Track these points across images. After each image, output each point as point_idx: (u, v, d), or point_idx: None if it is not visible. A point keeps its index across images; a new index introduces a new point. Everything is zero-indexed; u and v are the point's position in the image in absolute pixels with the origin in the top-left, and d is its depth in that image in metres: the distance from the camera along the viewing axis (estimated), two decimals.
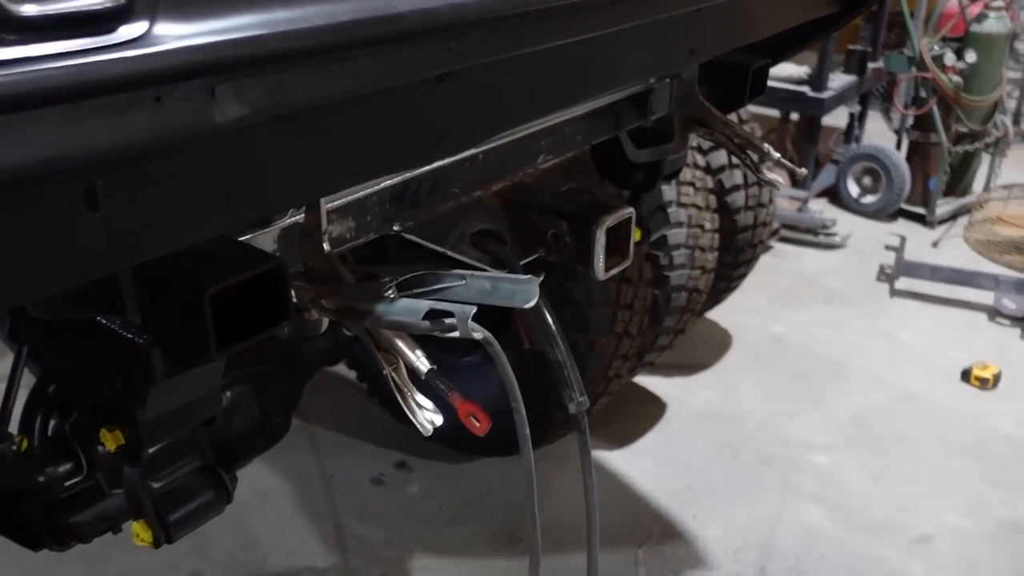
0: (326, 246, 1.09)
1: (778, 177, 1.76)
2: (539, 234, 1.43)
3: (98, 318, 1.04)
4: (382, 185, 1.30)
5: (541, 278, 1.39)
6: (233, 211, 0.90)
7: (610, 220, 1.37)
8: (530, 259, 1.46)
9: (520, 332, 1.43)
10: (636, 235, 2.05)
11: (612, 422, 3.29)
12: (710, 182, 3.04)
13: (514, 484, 3.02)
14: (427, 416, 1.05)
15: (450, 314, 0.92)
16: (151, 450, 1.20)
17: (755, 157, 1.76)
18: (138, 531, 1.19)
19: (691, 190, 2.89)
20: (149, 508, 1.19)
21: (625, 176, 1.99)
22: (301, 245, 1.12)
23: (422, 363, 1.01)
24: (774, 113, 5.19)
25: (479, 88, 1.12)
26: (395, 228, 1.34)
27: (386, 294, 1.04)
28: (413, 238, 1.34)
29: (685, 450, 3.22)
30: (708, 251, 2.99)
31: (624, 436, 3.28)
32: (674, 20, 1.45)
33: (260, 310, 1.00)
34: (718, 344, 3.86)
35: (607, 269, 1.40)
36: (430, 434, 1.06)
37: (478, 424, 0.99)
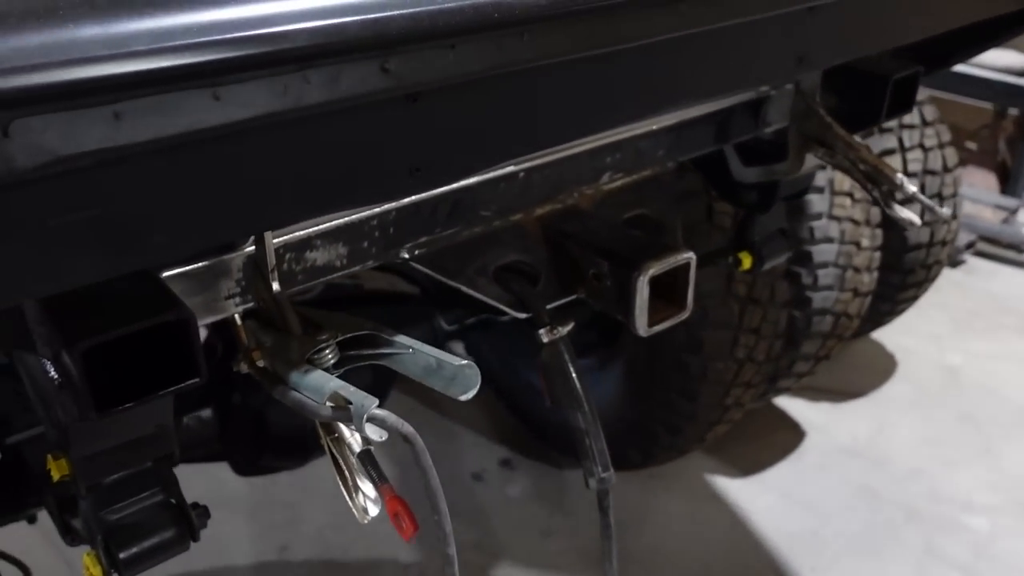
0: (275, 285, 0.94)
1: (913, 215, 1.43)
2: (580, 272, 1.21)
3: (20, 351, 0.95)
4: (384, 207, 1.13)
5: (571, 326, 1.18)
6: (119, 253, 0.77)
7: (656, 267, 1.12)
8: (565, 301, 1.25)
9: (543, 388, 1.22)
10: (746, 263, 1.77)
11: (738, 445, 2.99)
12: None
13: (617, 502, 2.81)
14: (362, 503, 0.88)
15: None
16: (102, 483, 1.10)
17: (886, 189, 1.43)
18: (88, 564, 1.11)
19: (848, 201, 2.52)
20: (99, 542, 1.10)
21: (737, 194, 1.71)
22: (254, 282, 0.97)
23: (355, 440, 0.84)
24: (986, 106, 4.53)
25: (465, 109, 0.92)
26: (403, 256, 1.16)
27: (317, 355, 0.87)
28: (423, 268, 1.16)
29: (817, 490, 2.87)
30: (864, 272, 2.60)
31: (749, 463, 2.97)
32: (772, 22, 1.17)
33: (170, 364, 0.86)
34: (878, 370, 3.42)
35: (651, 324, 1.16)
36: (364, 522, 0.89)
37: (404, 527, 0.81)
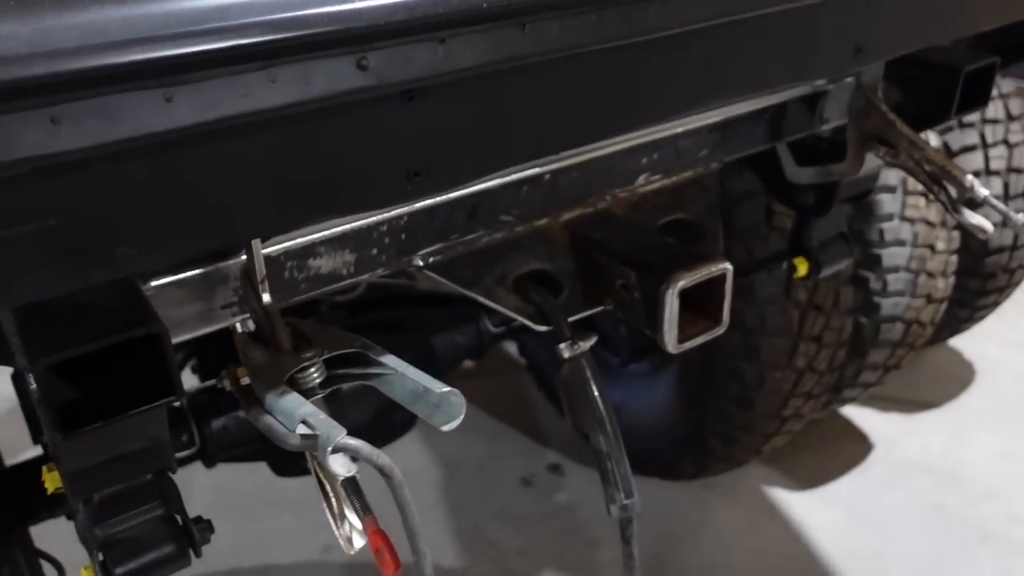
0: (265, 297, 0.88)
1: (984, 221, 1.29)
2: (607, 282, 1.12)
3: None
4: (394, 212, 1.06)
5: (593, 340, 1.09)
6: (79, 265, 0.71)
7: (687, 279, 1.02)
8: (589, 313, 1.16)
9: (563, 407, 1.14)
10: (801, 269, 1.65)
11: (801, 455, 2.85)
12: (952, 191, 2.46)
13: (670, 513, 2.70)
14: (347, 532, 0.82)
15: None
16: (98, 496, 1.06)
17: (953, 192, 1.30)
18: None
19: (922, 202, 2.35)
20: (95, 556, 1.06)
21: (792, 196, 1.59)
22: (246, 293, 0.91)
23: (339, 467, 0.77)
24: None
25: (467, 109, 0.84)
26: (417, 264, 1.09)
27: (301, 374, 0.81)
28: (435, 276, 1.09)
29: (884, 506, 2.71)
30: (939, 277, 2.44)
31: (813, 475, 2.83)
32: (825, 7, 1.06)
33: (144, 381, 0.81)
34: (955, 380, 3.23)
35: (682, 340, 1.06)
36: (350, 552, 0.83)
37: (385, 563, 0.74)
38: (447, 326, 2.31)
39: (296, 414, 0.71)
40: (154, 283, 0.91)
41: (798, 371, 2.25)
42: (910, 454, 2.91)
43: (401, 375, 0.77)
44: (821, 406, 2.52)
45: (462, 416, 0.77)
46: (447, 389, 0.75)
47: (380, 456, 0.68)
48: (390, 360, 0.79)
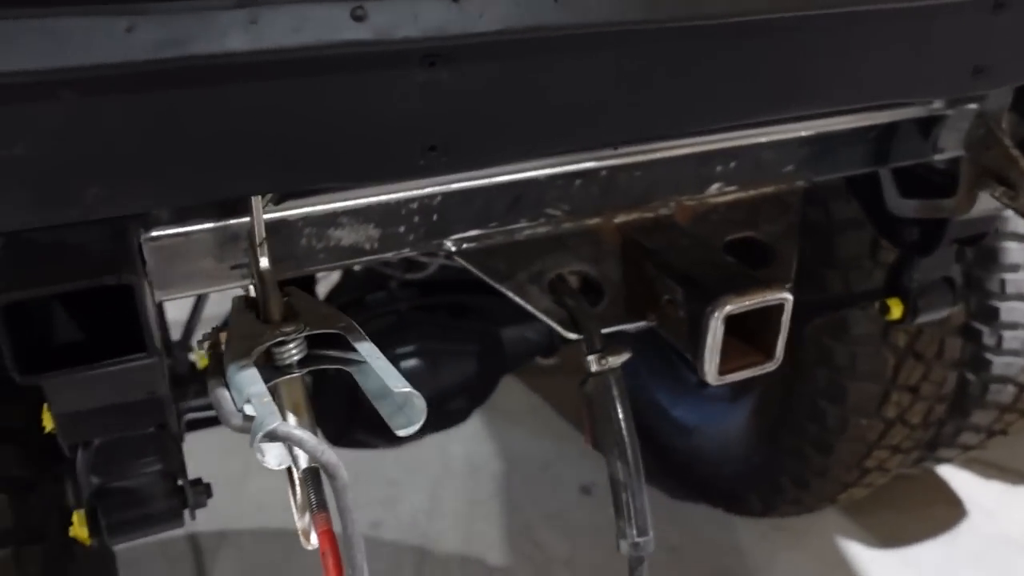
0: (263, 262, 0.82)
1: None
2: (654, 296, 1.02)
3: None
4: (427, 190, 0.99)
5: (626, 357, 0.99)
6: (42, 202, 0.67)
7: (736, 304, 0.91)
8: (629, 327, 1.06)
9: (586, 427, 1.04)
10: (895, 312, 1.50)
11: (885, 510, 2.64)
12: None
13: (731, 549, 2.55)
14: (305, 526, 0.75)
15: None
16: (96, 443, 1.04)
17: None
18: (75, 521, 1.05)
19: None
20: (85, 502, 1.04)
21: (895, 230, 1.44)
22: (250, 257, 0.86)
23: (272, 457, 0.70)
24: None
25: (497, 80, 0.75)
26: (448, 248, 1.02)
27: (278, 348, 0.75)
28: (466, 264, 1.01)
29: None
30: None
31: (895, 534, 2.62)
32: (939, 15, 0.92)
33: (118, 334, 0.76)
34: None
35: (724, 372, 0.95)
36: (307, 547, 0.76)
37: (329, 569, 0.67)
38: (519, 319, 2.23)
39: (245, 392, 0.65)
40: (156, 232, 0.87)
41: (887, 421, 2.06)
42: (1008, 529, 2.65)
43: (370, 366, 0.70)
44: (911, 462, 2.32)
45: (420, 422, 0.69)
46: (408, 390, 0.68)
47: (326, 452, 0.61)
48: (364, 348, 0.72)
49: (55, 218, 0.68)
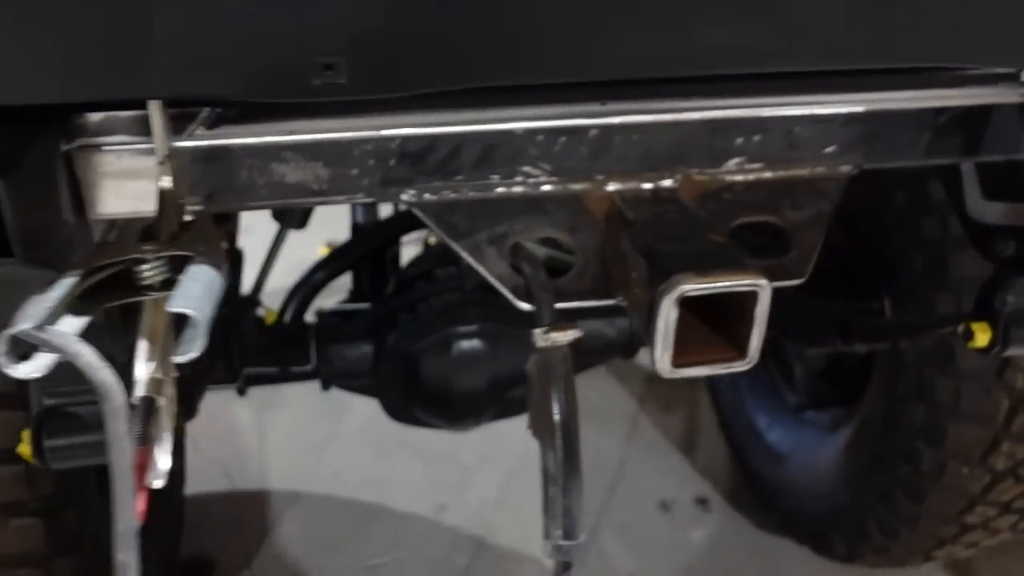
0: (164, 181, 0.76)
1: None
2: (626, 272, 0.88)
3: None
4: (384, 132, 0.90)
5: (574, 335, 0.87)
6: None
7: (692, 284, 0.76)
8: (591, 304, 0.92)
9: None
10: (980, 338, 1.27)
11: (986, 559, 2.31)
12: None
13: None
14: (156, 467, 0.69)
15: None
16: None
17: None
18: (23, 438, 1.05)
19: None
20: (32, 422, 1.03)
21: (983, 239, 1.22)
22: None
23: (138, 382, 0.64)
24: None
25: None
26: (405, 199, 0.93)
27: (138, 267, 0.68)
28: (423, 216, 0.92)
29: None
30: None
31: None
32: None
33: None
34: None
35: (678, 364, 0.80)
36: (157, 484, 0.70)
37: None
38: (598, 313, 2.10)
39: (43, 296, 0.59)
40: (81, 142, 0.82)
41: (995, 473, 1.79)
42: None
43: (192, 275, 0.62)
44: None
45: (197, 351, 0.61)
46: (177, 309, 0.59)
47: (102, 370, 0.54)
48: (193, 269, 0.65)
49: None
